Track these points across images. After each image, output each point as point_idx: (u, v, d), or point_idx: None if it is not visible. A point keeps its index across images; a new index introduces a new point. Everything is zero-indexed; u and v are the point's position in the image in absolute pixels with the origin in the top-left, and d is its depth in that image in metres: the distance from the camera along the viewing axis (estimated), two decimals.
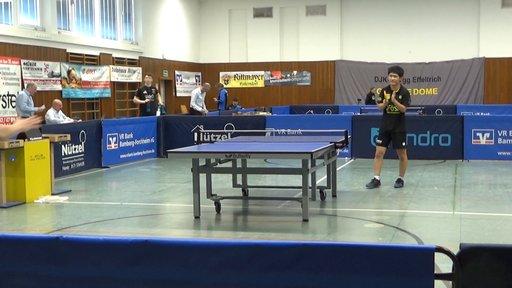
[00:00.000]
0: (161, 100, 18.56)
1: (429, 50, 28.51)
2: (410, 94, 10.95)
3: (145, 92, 17.81)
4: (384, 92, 10.95)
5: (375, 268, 2.55)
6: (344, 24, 29.44)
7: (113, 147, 14.66)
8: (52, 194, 10.56)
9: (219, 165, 9.59)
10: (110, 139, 14.58)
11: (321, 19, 29.49)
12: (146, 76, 18.47)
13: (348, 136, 9.76)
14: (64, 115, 16.22)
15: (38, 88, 17.99)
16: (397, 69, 11.04)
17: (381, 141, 11.05)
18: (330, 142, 9.25)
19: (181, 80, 28.55)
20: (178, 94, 28.13)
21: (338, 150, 10.12)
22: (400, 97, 10.75)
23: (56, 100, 16.33)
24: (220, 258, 2.63)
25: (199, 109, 19.25)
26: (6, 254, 2.79)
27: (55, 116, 15.55)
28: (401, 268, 2.51)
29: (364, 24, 29.13)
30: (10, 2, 18.02)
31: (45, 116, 16.00)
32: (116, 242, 2.71)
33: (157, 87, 19.72)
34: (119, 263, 2.71)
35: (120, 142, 14.97)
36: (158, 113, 17.75)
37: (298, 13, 29.76)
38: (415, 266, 2.49)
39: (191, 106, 19.49)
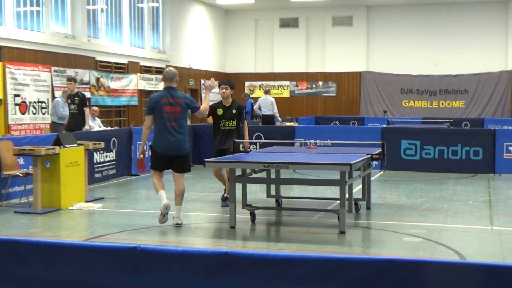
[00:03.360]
0: (88, 122, 14.40)
1: (456, 63, 28.32)
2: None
3: (68, 101, 14.51)
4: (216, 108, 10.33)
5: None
6: (370, 35, 29.35)
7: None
8: (86, 201, 10.61)
9: (254, 175, 9.56)
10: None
11: (347, 30, 29.42)
12: (67, 81, 14.86)
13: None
14: (100, 123, 16.28)
15: None
16: (228, 81, 10.61)
17: None
18: (367, 154, 9.19)
19: None
20: None
21: (374, 162, 10.05)
22: (234, 111, 10.29)
23: (94, 107, 16.43)
24: (302, 271, 2.59)
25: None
26: (82, 263, 2.78)
27: (92, 122, 15.68)
28: None
29: (391, 36, 29.03)
30: (42, 10, 18.18)
31: None
32: (195, 253, 2.68)
33: (85, 96, 14.88)
34: (197, 274, 2.67)
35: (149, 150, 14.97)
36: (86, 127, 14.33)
37: (324, 24, 29.72)
38: None
39: (270, 114, 20.52)
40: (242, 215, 9.09)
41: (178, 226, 8.78)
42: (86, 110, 14.43)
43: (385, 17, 29.15)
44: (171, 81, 8.75)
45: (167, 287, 2.71)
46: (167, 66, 24.84)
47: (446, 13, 28.49)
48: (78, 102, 14.26)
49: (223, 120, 10.29)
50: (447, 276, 2.52)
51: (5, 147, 10.51)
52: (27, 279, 3.00)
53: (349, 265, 2.56)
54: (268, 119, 20.60)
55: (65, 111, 15.27)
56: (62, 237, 8.30)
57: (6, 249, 3.06)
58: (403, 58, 28.85)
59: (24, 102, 16.73)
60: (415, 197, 11.45)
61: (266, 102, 20.97)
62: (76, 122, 14.23)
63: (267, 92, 22.25)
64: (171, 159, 8.80)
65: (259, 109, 21.03)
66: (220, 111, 10.33)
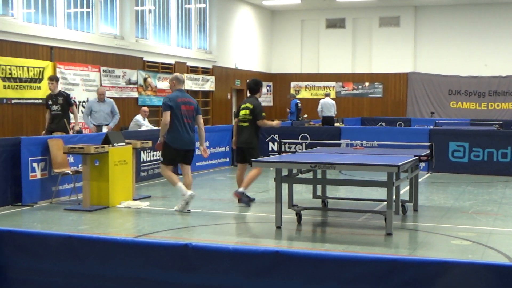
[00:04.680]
0: (78, 123, 13.68)
1: (506, 63, 27.76)
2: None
3: (50, 102, 13.16)
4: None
5: None
6: (418, 36, 29.01)
7: None
8: (134, 199, 10.74)
9: (300, 176, 9.54)
10: None
11: (394, 30, 29.14)
12: (48, 80, 13.43)
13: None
14: (148, 123, 16.43)
15: (115, 95, 18.41)
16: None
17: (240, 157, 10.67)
18: (415, 156, 9.09)
19: None
20: None
21: (422, 164, 9.93)
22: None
23: (144, 108, 16.65)
24: (354, 272, 2.58)
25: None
26: (134, 259, 2.82)
27: (143, 121, 15.93)
28: None
29: (439, 36, 28.63)
30: (92, 11, 18.49)
31: (133, 120, 16.30)
32: (246, 251, 2.69)
33: (69, 95, 13.60)
34: (248, 273, 2.68)
35: (196, 149, 15.07)
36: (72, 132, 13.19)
37: (371, 24, 29.49)
38: None
39: (331, 116, 22.50)
40: (288, 215, 9.08)
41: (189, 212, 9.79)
42: (74, 109, 13.50)
43: (433, 18, 28.77)
44: (182, 84, 10.10)
45: (218, 285, 2.73)
46: (213, 66, 25.06)
47: (495, 13, 27.96)
48: (63, 102, 13.06)
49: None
50: (498, 279, 2.48)
51: (55, 145, 10.72)
52: (80, 274, 3.05)
53: (402, 266, 2.54)
54: (329, 120, 22.30)
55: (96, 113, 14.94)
56: (111, 234, 8.42)
57: (60, 245, 3.12)
58: (451, 59, 28.42)
59: (74, 101, 16.98)
60: (463, 199, 11.28)
61: (327, 104, 22.82)
62: (57, 124, 13.02)
63: (327, 95, 24.56)
64: (186, 152, 9.96)
65: (321, 111, 22.82)
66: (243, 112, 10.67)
